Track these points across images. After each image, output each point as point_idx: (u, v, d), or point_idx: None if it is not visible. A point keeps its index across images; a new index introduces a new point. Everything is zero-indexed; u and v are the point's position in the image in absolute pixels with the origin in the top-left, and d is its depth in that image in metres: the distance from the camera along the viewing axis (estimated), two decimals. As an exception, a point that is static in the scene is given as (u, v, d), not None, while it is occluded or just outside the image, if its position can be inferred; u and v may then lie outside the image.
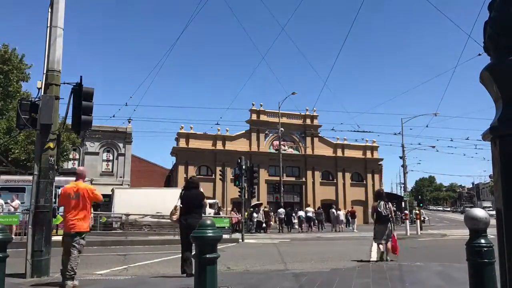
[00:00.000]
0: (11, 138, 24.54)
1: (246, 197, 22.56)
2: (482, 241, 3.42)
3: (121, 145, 42.72)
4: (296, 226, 31.32)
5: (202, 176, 44.78)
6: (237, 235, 19.19)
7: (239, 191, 22.00)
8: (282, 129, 40.51)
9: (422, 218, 32.95)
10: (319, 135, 50.77)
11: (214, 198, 42.03)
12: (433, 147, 41.30)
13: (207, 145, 45.92)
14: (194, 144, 45.33)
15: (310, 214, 31.51)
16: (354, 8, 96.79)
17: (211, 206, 28.39)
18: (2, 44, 26.93)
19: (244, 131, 48.25)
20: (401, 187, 50.98)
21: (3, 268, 5.11)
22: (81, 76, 8.52)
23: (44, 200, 8.08)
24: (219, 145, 46.27)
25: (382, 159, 52.97)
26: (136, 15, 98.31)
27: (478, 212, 3.56)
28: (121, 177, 41.90)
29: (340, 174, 50.71)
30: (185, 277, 7.33)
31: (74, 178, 7.22)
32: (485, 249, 3.38)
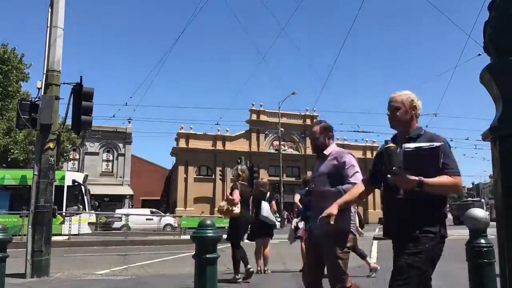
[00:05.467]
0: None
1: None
2: (482, 241, 3.43)
3: (121, 145, 42.74)
4: None
5: (201, 176, 44.81)
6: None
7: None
8: (282, 129, 40.54)
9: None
10: (319, 135, 50.76)
11: (214, 198, 42.06)
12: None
13: (207, 145, 45.92)
14: (194, 144, 45.31)
15: None
16: (354, 8, 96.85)
17: None
18: (1, 44, 26.89)
19: (244, 131, 48.26)
20: (401, 187, 50.90)
21: (3, 268, 5.11)
22: (81, 76, 8.54)
23: (44, 200, 8.08)
24: (219, 145, 46.28)
25: (382, 159, 52.97)
26: (136, 14, 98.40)
27: (478, 212, 3.56)
28: (121, 177, 41.92)
29: (340, 174, 50.69)
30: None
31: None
32: (485, 249, 3.38)
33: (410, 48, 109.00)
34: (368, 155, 52.43)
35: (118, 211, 31.50)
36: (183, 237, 18.26)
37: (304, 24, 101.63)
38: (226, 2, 47.14)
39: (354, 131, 48.95)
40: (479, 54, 15.74)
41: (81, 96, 8.51)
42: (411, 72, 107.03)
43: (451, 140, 54.28)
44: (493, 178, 2.26)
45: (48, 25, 8.64)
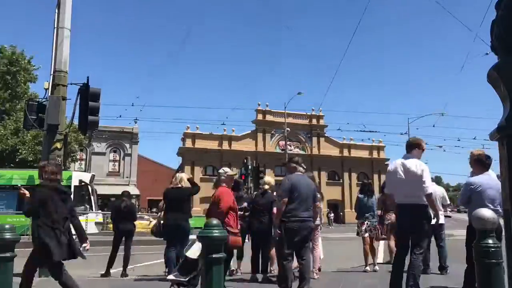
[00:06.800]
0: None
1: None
2: (490, 241, 3.40)
3: (127, 145, 42.91)
4: None
5: (207, 176, 44.87)
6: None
7: (245, 191, 22.01)
8: (288, 129, 40.48)
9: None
10: (325, 135, 50.70)
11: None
12: (440, 147, 41.12)
13: (213, 145, 45.99)
14: (200, 144, 45.41)
15: None
16: (361, 6, 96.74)
17: None
18: (9, 46, 27.14)
19: (250, 131, 48.28)
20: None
21: (11, 268, 5.14)
22: (88, 77, 8.57)
23: (51, 200, 8.11)
24: (225, 145, 46.34)
25: (388, 159, 52.71)
26: (143, 15, 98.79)
27: (486, 212, 3.53)
28: (127, 177, 42.07)
29: (346, 174, 50.59)
30: None
31: None
32: (492, 249, 3.36)
33: (417, 48, 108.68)
34: (375, 154, 52.28)
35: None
36: (190, 237, 18.26)
37: (312, 24, 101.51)
38: (232, 2, 47.26)
39: (361, 130, 49.01)
40: (487, 53, 15.64)
41: (88, 97, 8.55)
42: (419, 72, 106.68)
43: (458, 140, 53.96)
44: (501, 177, 2.24)
45: (55, 26, 8.70)
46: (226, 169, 6.47)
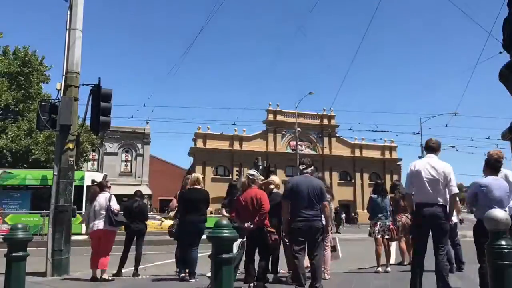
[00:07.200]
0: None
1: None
2: (503, 242, 3.34)
3: (139, 145, 43.17)
4: None
5: (219, 176, 44.96)
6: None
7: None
8: (299, 129, 40.40)
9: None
10: (337, 135, 50.49)
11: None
12: (453, 147, 40.61)
13: (224, 145, 46.08)
14: (211, 144, 45.54)
15: None
16: (373, 4, 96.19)
17: None
18: (22, 47, 27.47)
19: (261, 131, 48.27)
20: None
21: (24, 267, 5.20)
22: (99, 78, 8.63)
23: (64, 200, 8.21)
24: (236, 146, 46.40)
25: (401, 159, 52.39)
26: (154, 15, 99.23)
27: (498, 213, 3.47)
28: (139, 177, 42.30)
29: (358, 175, 50.30)
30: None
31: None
32: (506, 250, 3.30)
33: (431, 47, 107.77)
34: (387, 154, 51.91)
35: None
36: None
37: (323, 22, 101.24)
38: (242, 1, 47.29)
39: (372, 130, 48.79)
40: (500, 52, 15.39)
41: (100, 97, 8.60)
42: (432, 71, 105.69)
43: (472, 140, 53.40)
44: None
45: (67, 27, 8.76)
46: (255, 172, 6.71)
